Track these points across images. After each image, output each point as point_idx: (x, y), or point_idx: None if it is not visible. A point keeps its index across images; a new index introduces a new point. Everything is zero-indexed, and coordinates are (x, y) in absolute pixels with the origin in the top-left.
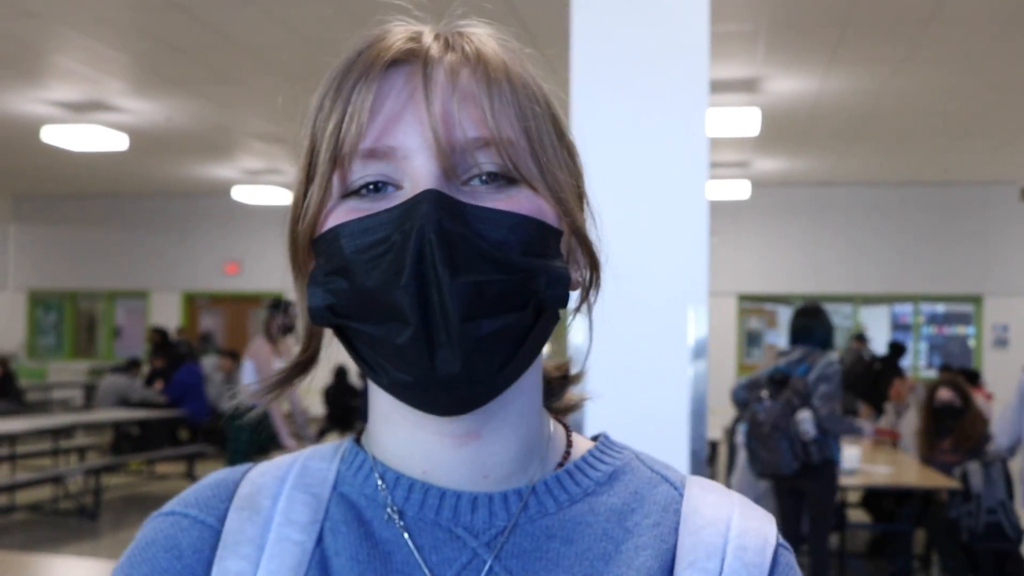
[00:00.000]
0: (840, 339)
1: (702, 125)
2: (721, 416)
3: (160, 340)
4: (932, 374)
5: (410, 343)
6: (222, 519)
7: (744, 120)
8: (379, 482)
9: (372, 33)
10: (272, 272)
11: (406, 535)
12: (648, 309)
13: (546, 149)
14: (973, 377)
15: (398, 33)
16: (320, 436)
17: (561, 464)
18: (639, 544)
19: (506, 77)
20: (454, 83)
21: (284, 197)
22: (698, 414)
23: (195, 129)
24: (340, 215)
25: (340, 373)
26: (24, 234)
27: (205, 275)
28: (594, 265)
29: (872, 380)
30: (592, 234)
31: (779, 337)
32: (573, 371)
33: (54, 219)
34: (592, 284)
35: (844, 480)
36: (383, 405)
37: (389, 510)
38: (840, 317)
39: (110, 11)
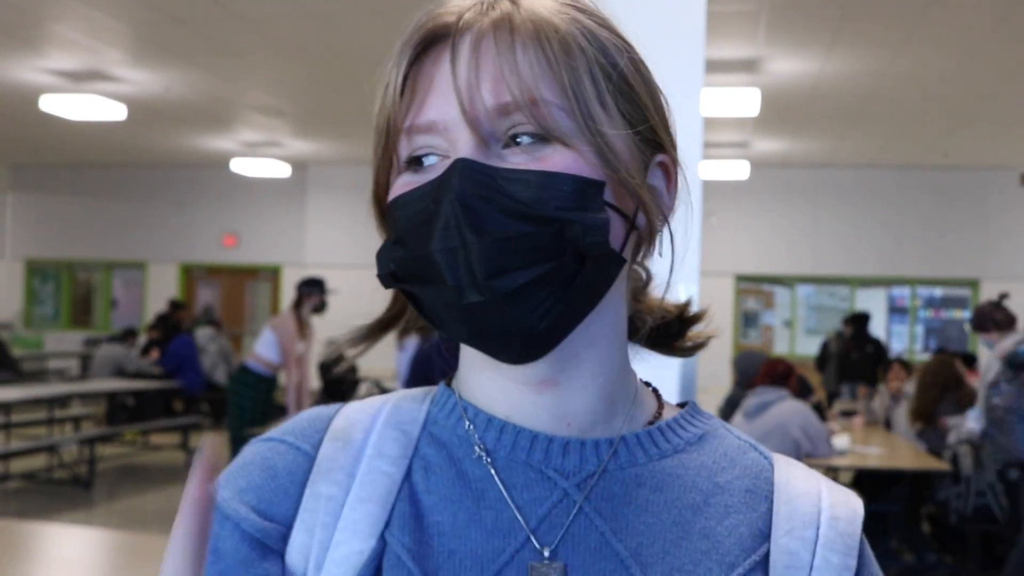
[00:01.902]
0: (835, 322)
1: (697, 104)
2: (715, 395)
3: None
4: (927, 358)
5: (450, 302)
6: (317, 447)
7: (744, 100)
8: (468, 424)
9: (430, 7)
10: (270, 245)
11: (496, 474)
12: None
13: (587, 104)
14: (970, 360)
15: (451, 5)
16: None
17: (651, 423)
18: (729, 504)
19: (535, 36)
20: (477, 51)
21: (282, 170)
22: (687, 392)
23: (194, 100)
24: (398, 187)
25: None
26: (22, 203)
27: (203, 247)
28: (647, 211)
29: (865, 362)
30: (657, 182)
31: (775, 318)
32: (691, 311)
33: (52, 188)
34: (650, 231)
35: (835, 461)
36: (467, 352)
37: (479, 449)
38: (837, 299)
39: None
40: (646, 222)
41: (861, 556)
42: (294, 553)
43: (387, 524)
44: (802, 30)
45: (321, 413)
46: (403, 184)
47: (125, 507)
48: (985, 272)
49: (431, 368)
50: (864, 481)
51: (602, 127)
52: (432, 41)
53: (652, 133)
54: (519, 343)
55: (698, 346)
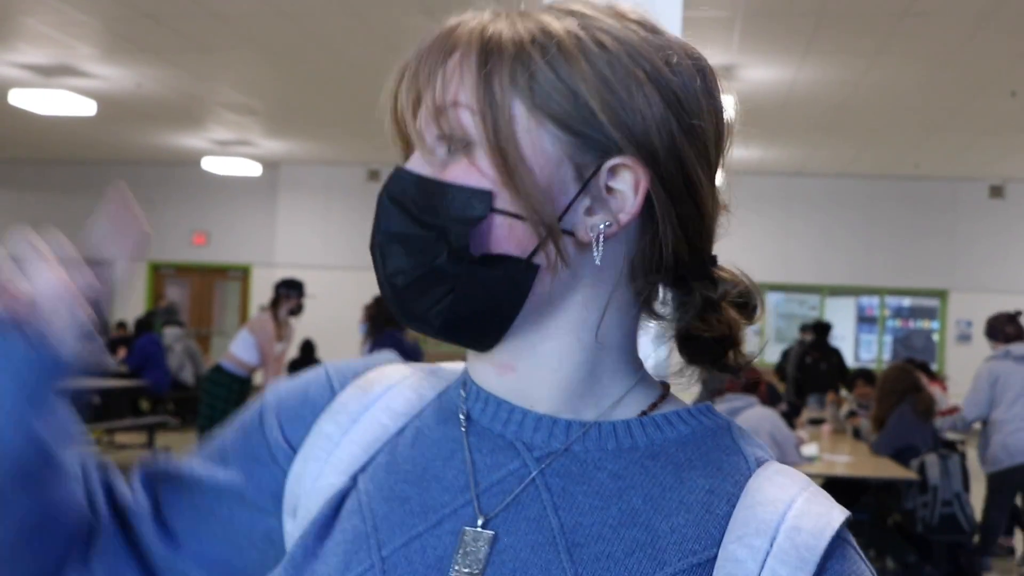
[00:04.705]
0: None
1: None
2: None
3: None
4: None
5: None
6: (342, 389)
7: None
8: (462, 392)
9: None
10: (240, 244)
11: (466, 437)
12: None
13: (495, 110)
14: (925, 369)
15: (451, 20)
16: None
17: (641, 416)
18: (684, 501)
19: (479, 48)
20: (420, 62)
21: (253, 169)
22: None
23: (166, 97)
24: None
25: (307, 347)
26: None
27: (173, 245)
28: (534, 223)
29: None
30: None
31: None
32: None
33: (20, 184)
34: (541, 246)
35: (804, 469)
36: None
37: (461, 415)
38: (807, 308)
39: None
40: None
41: (821, 573)
42: (292, 478)
43: (363, 468)
44: (776, 38)
45: (376, 362)
46: None
47: None
48: (953, 283)
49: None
50: (832, 490)
51: (504, 135)
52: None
53: (602, 135)
54: (433, 332)
55: (740, 366)
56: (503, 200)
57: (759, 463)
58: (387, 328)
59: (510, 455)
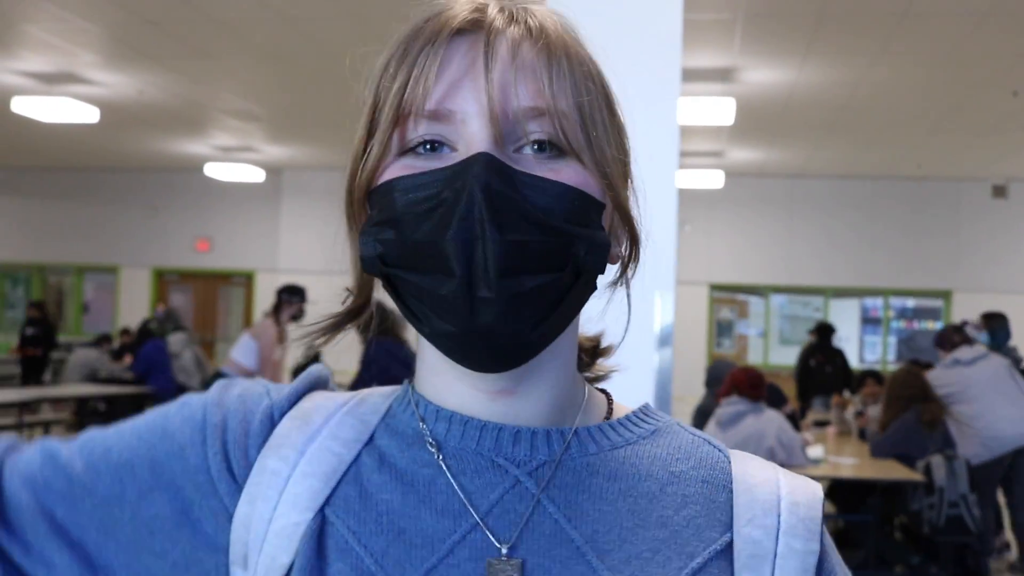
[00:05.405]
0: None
1: (673, 113)
2: (688, 404)
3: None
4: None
5: (453, 293)
6: (280, 420)
7: (718, 109)
8: (419, 416)
9: (439, 2)
10: (243, 250)
11: (443, 460)
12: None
13: (597, 125)
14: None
15: (464, 4)
16: None
17: (607, 419)
18: (686, 494)
19: (565, 53)
20: (514, 54)
21: (256, 174)
22: (662, 401)
23: (168, 104)
24: (396, 170)
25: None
26: None
27: (176, 252)
28: (634, 240)
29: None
30: (634, 211)
31: (750, 328)
32: (603, 344)
33: (24, 191)
34: (631, 258)
35: (810, 471)
36: (428, 355)
37: (429, 441)
38: (810, 310)
39: None
40: (631, 248)
41: (822, 540)
42: (238, 522)
43: (328, 501)
44: (777, 40)
45: (305, 382)
46: (403, 167)
47: None
48: (957, 283)
49: (387, 374)
50: (838, 492)
51: (605, 148)
52: (456, 34)
53: (628, 159)
54: (503, 347)
55: (599, 378)
56: (605, 215)
57: (723, 448)
58: (379, 338)
59: (498, 474)
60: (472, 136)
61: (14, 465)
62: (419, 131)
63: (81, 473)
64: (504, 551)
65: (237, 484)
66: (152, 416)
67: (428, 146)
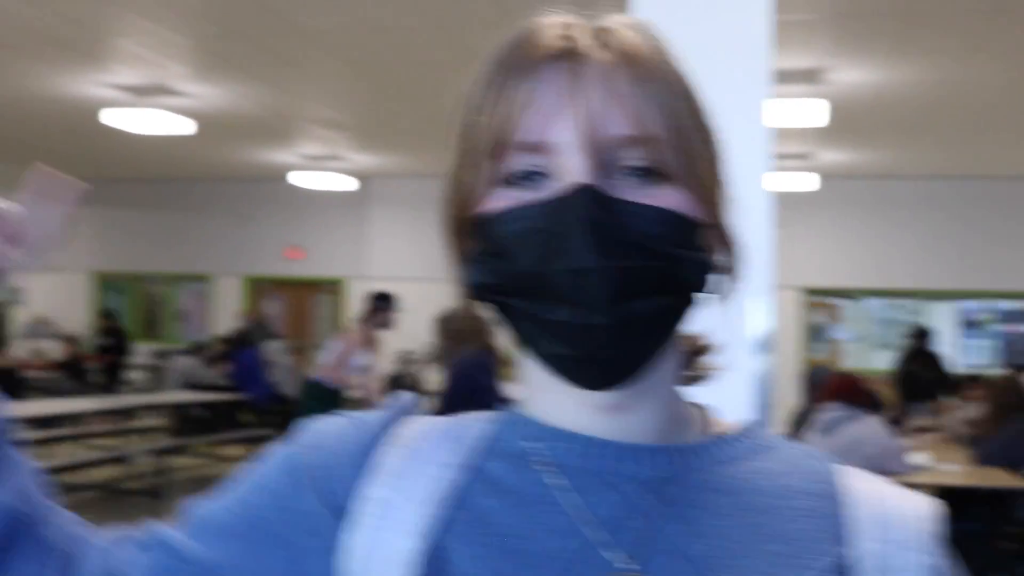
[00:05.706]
0: (896, 336)
1: (764, 115)
2: (781, 410)
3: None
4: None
5: (566, 320)
6: (374, 447)
7: (811, 111)
8: (533, 434)
9: (525, 26)
10: (334, 258)
11: (560, 480)
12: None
13: (692, 145)
14: None
15: (551, 27)
16: None
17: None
18: (797, 507)
19: (656, 76)
20: (607, 81)
21: (345, 183)
22: (764, 409)
23: (256, 114)
24: (497, 200)
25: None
26: (90, 217)
27: (266, 260)
28: (733, 251)
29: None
30: (731, 223)
31: (842, 332)
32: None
33: (114, 202)
34: (731, 269)
35: (911, 478)
36: (536, 374)
37: (545, 460)
38: (904, 313)
39: None
40: (729, 264)
41: (938, 555)
42: (346, 556)
43: (442, 527)
44: (864, 39)
45: (397, 410)
46: (505, 198)
47: None
48: None
49: (475, 384)
50: (942, 499)
51: (701, 167)
52: (547, 58)
53: (722, 173)
54: (615, 368)
55: (698, 377)
56: (705, 232)
57: (829, 461)
58: (469, 345)
59: (614, 490)
60: (571, 166)
61: (134, 561)
62: (516, 162)
63: (204, 559)
64: (624, 569)
65: (340, 518)
66: (249, 477)
67: (526, 177)
